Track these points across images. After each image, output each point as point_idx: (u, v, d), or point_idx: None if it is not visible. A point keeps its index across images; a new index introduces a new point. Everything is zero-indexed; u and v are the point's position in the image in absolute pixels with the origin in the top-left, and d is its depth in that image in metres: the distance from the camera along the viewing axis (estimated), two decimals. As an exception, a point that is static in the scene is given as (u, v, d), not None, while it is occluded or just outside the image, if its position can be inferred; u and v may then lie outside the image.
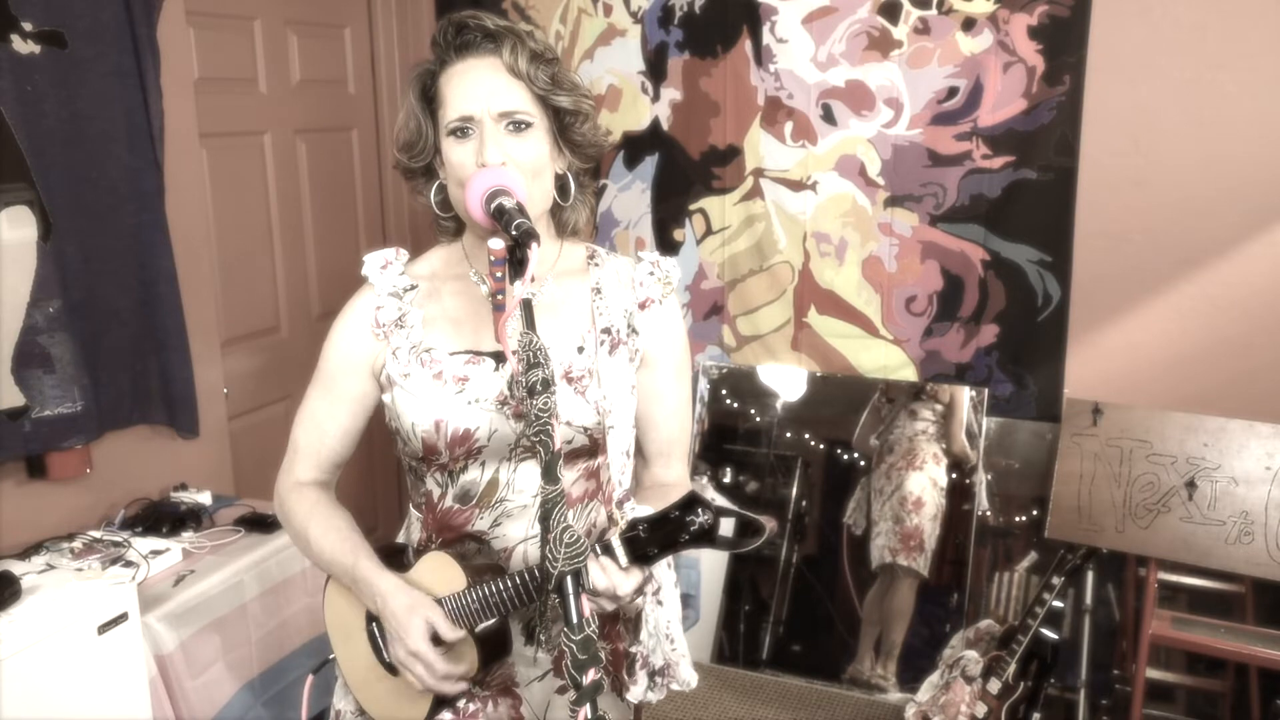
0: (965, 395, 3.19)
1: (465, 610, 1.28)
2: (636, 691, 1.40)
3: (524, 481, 1.35)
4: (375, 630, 1.39)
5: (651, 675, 1.40)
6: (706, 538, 1.13)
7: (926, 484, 3.21)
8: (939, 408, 3.23)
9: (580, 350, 1.37)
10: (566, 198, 1.38)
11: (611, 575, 1.14)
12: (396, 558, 1.40)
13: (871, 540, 3.25)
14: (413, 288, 1.39)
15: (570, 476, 1.36)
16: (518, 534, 1.36)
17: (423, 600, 1.28)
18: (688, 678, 1.40)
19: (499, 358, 1.34)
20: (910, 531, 3.19)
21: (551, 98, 1.32)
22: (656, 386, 1.43)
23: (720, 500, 3.40)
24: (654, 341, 1.42)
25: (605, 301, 1.40)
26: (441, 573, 1.31)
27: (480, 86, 1.29)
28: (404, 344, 1.36)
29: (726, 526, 1.17)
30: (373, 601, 1.32)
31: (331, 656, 1.50)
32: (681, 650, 1.38)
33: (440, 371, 1.33)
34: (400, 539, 1.49)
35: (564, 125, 1.35)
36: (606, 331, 1.38)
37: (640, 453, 1.47)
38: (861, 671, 3.19)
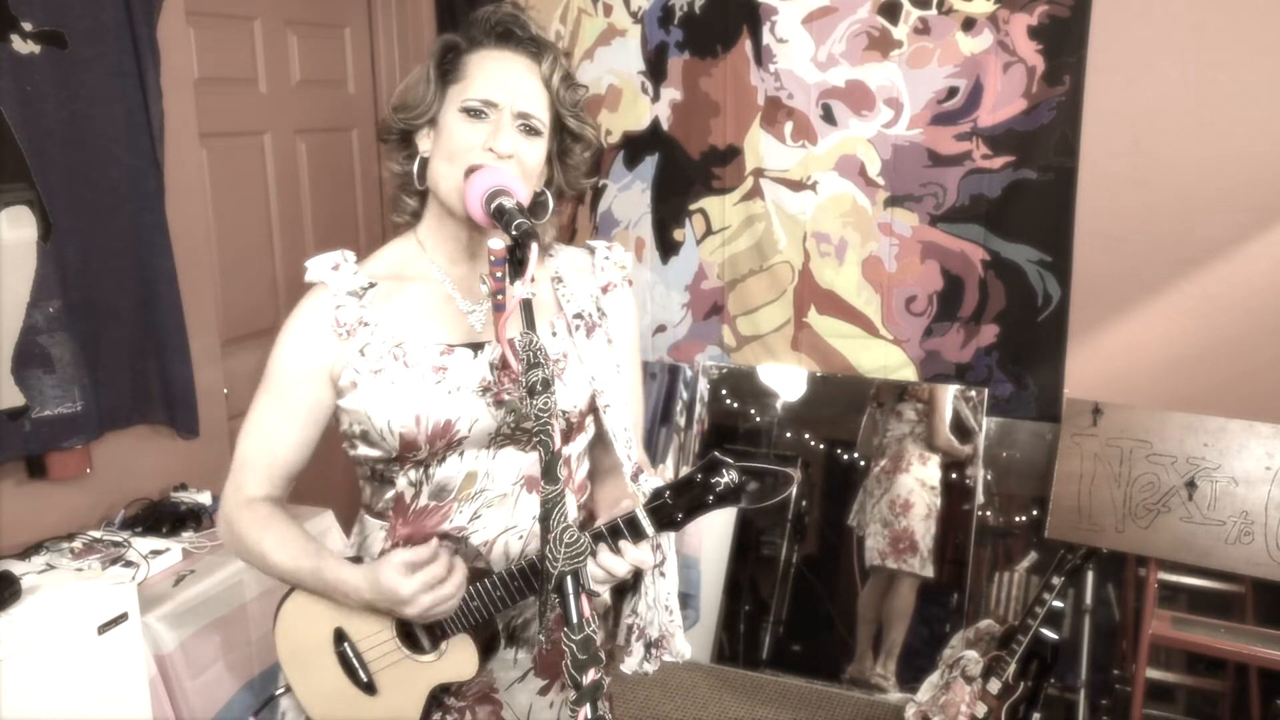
0: (948, 391, 3.20)
1: (463, 609, 1.27)
2: (631, 663, 1.38)
3: (503, 469, 1.34)
4: (348, 650, 1.35)
5: (648, 647, 1.38)
6: (734, 496, 1.13)
7: (914, 485, 3.21)
8: (920, 406, 3.24)
9: (554, 335, 1.37)
10: (540, 215, 1.38)
11: (629, 555, 1.18)
12: None
13: (865, 540, 3.26)
14: (371, 286, 1.35)
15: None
16: (498, 525, 1.34)
17: (374, 565, 1.27)
18: (681, 649, 1.39)
19: (475, 347, 1.33)
20: (899, 534, 3.20)
21: (568, 119, 1.35)
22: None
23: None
24: (616, 324, 1.43)
25: (569, 288, 1.40)
26: None
27: (514, 79, 1.31)
28: (372, 340, 1.32)
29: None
30: (346, 598, 1.29)
31: (278, 692, 1.43)
32: (678, 621, 1.38)
33: (418, 365, 1.31)
34: (350, 553, 1.43)
35: (564, 148, 1.37)
36: (579, 316, 1.37)
37: (599, 437, 1.47)
38: (861, 671, 3.19)
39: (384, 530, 1.37)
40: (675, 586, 1.37)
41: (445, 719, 1.36)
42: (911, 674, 3.09)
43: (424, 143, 1.34)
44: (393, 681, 1.32)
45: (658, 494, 1.18)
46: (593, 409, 1.39)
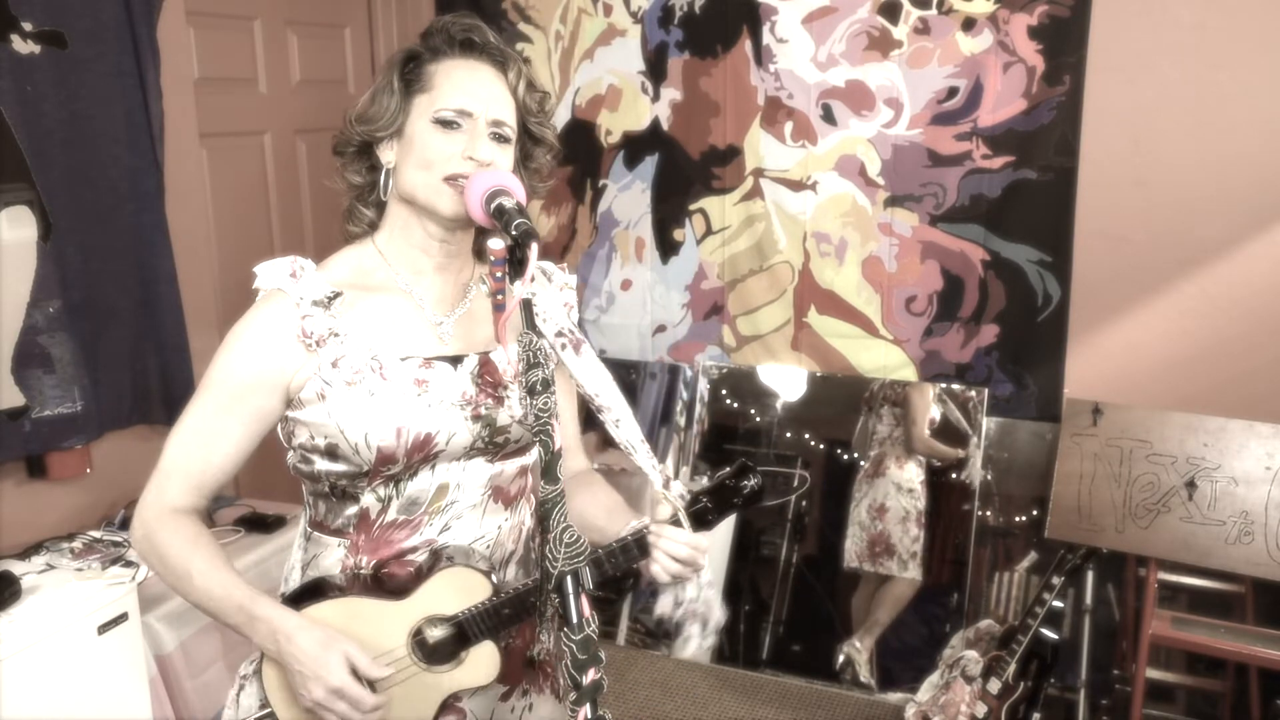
0: (926, 395, 3.20)
1: (496, 616, 1.27)
2: (691, 646, 1.43)
3: (473, 480, 1.34)
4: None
5: (704, 626, 1.42)
6: (758, 499, 1.24)
7: (889, 489, 3.22)
8: (897, 410, 3.25)
9: None
10: None
11: (688, 541, 1.25)
12: (318, 595, 1.30)
13: (845, 544, 3.28)
14: (338, 295, 1.31)
15: (509, 473, 1.37)
16: (467, 535, 1.34)
17: (336, 635, 1.23)
18: (720, 617, 1.45)
19: (453, 360, 1.33)
20: (875, 537, 3.21)
21: (532, 125, 1.37)
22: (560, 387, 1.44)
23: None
24: None
25: (541, 308, 1.35)
26: (463, 582, 1.28)
27: (485, 88, 1.31)
28: (345, 352, 1.28)
29: None
30: (273, 640, 1.23)
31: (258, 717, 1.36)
32: (717, 589, 1.41)
33: (398, 379, 1.29)
34: (294, 579, 1.39)
35: (527, 152, 1.39)
36: (560, 335, 1.35)
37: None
38: (845, 642, 3.20)
39: (343, 548, 1.34)
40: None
41: None
42: (912, 674, 3.08)
43: (387, 154, 1.33)
44: (401, 696, 1.29)
45: (695, 499, 1.26)
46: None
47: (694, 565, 1.27)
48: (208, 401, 1.31)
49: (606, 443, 1.38)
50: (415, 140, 1.30)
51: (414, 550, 1.32)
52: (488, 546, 1.35)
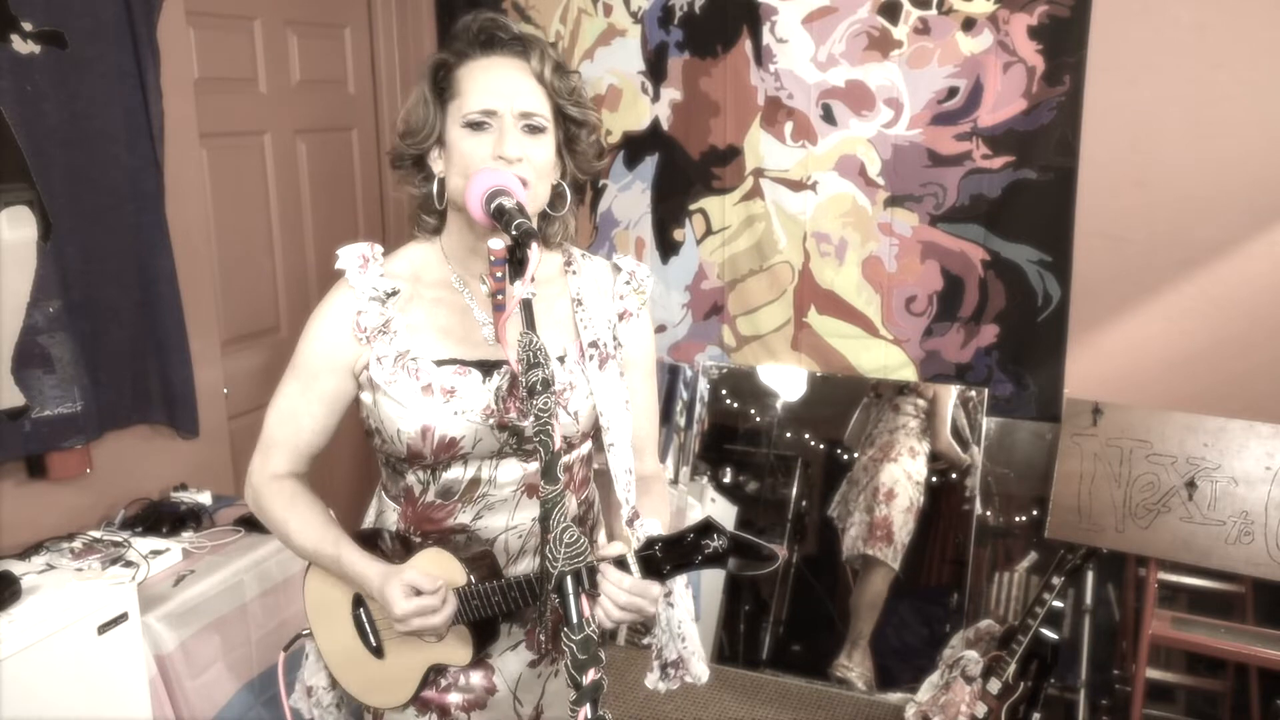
0: (951, 393, 3.20)
1: (464, 606, 1.32)
2: (651, 679, 1.46)
3: (506, 476, 1.39)
4: (363, 616, 1.43)
5: (664, 667, 1.47)
6: (719, 561, 1.19)
7: (900, 476, 3.21)
8: (921, 403, 3.24)
9: (561, 360, 1.39)
10: (560, 208, 1.41)
11: (630, 588, 1.19)
12: (372, 543, 1.42)
13: (845, 531, 3.27)
14: (394, 292, 1.38)
15: None
16: (499, 525, 1.40)
17: (394, 572, 1.33)
18: (699, 673, 1.46)
19: (485, 369, 1.36)
20: (878, 521, 3.20)
21: (567, 108, 1.36)
22: (631, 389, 1.46)
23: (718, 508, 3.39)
24: (632, 350, 1.46)
25: (587, 313, 1.42)
26: (440, 568, 1.34)
27: (507, 84, 1.32)
28: (388, 351, 1.35)
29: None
30: (360, 587, 1.38)
31: (305, 632, 1.53)
32: (693, 647, 1.43)
33: (429, 384, 1.34)
34: (368, 524, 1.51)
35: (570, 136, 1.39)
36: (594, 345, 1.40)
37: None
38: (836, 666, 3.19)
39: (397, 513, 1.43)
40: (689, 614, 1.41)
41: (442, 680, 1.43)
42: (912, 674, 3.09)
43: (437, 164, 1.37)
44: (398, 650, 1.41)
45: (650, 543, 1.21)
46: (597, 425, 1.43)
47: (637, 613, 1.21)
48: (293, 380, 1.44)
49: (600, 449, 1.42)
50: (452, 147, 1.33)
51: (452, 531, 1.40)
52: (520, 536, 1.41)
